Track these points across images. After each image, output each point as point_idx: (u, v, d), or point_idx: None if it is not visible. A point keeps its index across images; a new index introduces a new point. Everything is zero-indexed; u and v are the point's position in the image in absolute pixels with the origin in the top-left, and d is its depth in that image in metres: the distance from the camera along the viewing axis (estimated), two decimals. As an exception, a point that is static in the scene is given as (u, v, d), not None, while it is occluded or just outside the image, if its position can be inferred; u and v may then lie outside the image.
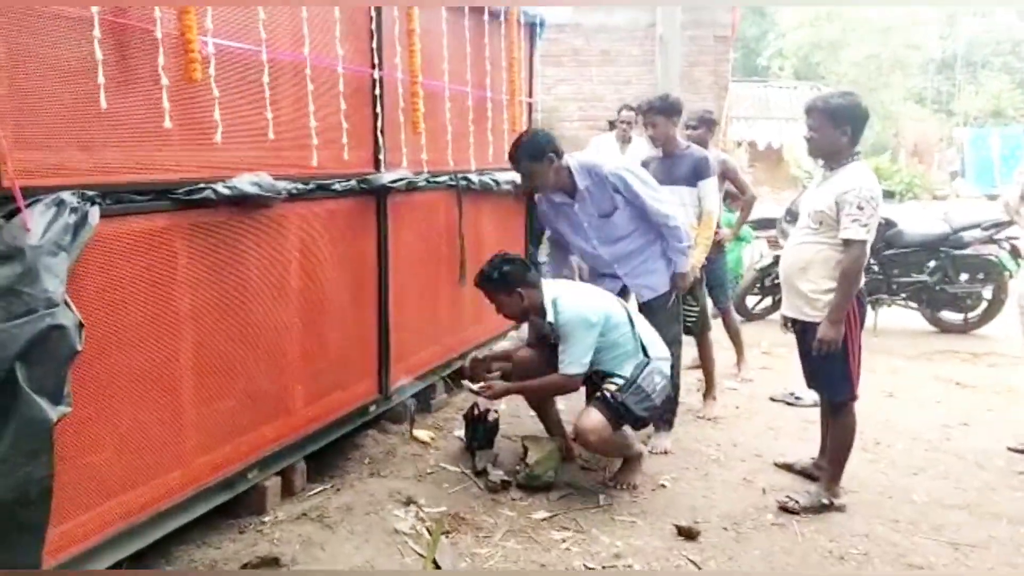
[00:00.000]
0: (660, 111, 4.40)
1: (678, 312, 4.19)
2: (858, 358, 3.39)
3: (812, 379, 3.59)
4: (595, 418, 3.41)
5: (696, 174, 4.41)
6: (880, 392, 5.18)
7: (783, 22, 29.41)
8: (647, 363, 3.52)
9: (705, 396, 4.79)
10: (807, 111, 3.37)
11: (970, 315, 6.98)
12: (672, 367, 4.08)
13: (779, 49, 29.38)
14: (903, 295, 6.99)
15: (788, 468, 3.87)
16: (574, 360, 3.41)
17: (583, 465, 3.84)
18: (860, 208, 3.19)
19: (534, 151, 3.71)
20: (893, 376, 5.59)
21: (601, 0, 10.19)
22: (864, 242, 3.22)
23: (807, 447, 4.05)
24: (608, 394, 3.43)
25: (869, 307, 6.74)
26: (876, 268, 6.90)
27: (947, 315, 7.05)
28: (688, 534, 3.18)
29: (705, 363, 4.87)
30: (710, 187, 4.45)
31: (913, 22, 26.83)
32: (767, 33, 30.82)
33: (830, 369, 3.39)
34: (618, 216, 3.84)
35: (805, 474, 3.78)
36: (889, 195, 17.34)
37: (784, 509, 3.41)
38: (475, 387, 3.58)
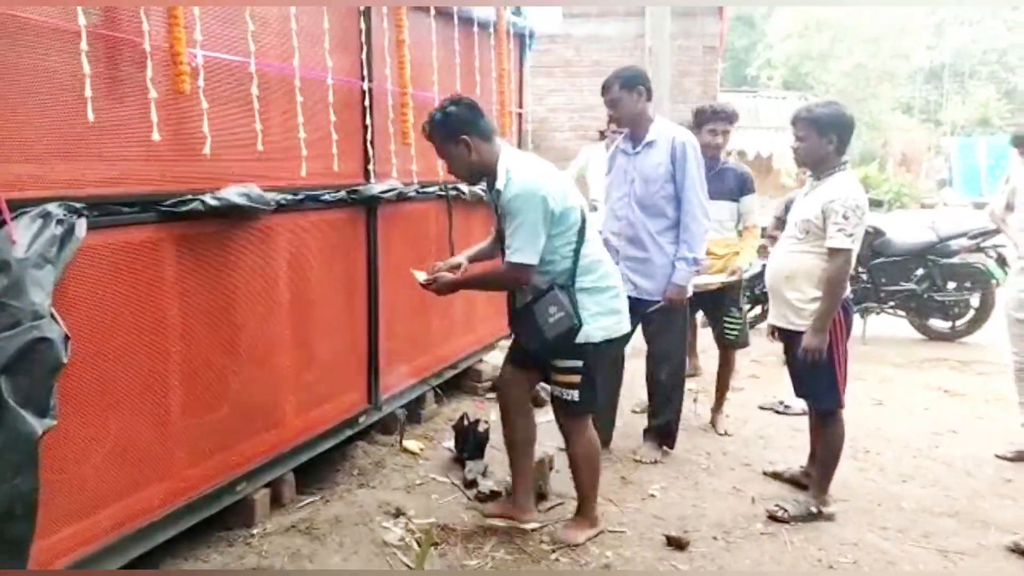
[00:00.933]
0: (726, 119, 4.48)
1: (682, 326, 4.07)
2: (844, 366, 3.39)
3: (799, 388, 3.60)
4: (569, 434, 3.17)
5: (741, 189, 4.49)
6: (869, 400, 5.19)
7: (772, 33, 29.62)
8: (548, 292, 2.95)
9: (715, 411, 4.69)
10: (793, 121, 3.40)
11: (958, 323, 7.02)
12: (673, 385, 4.08)
13: (768, 59, 29.57)
14: (891, 303, 7.03)
15: (777, 476, 3.88)
16: (522, 246, 2.84)
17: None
18: (845, 217, 3.21)
19: (628, 80, 3.80)
20: (882, 384, 5.61)
21: (598, 1, 10.23)
22: (849, 251, 3.22)
23: (796, 455, 4.06)
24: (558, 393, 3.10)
25: (858, 316, 6.81)
26: (864, 277, 6.93)
27: (935, 323, 7.08)
28: (678, 544, 3.17)
29: (724, 376, 4.72)
30: (753, 201, 4.55)
31: (901, 31, 27.06)
32: (756, 44, 31.02)
33: (816, 378, 3.40)
34: (659, 189, 3.83)
35: (794, 482, 3.79)
36: (877, 204, 17.47)
37: (773, 518, 3.41)
38: (422, 279, 3.13)
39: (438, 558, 3.01)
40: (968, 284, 6.91)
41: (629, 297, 3.81)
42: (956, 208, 19.28)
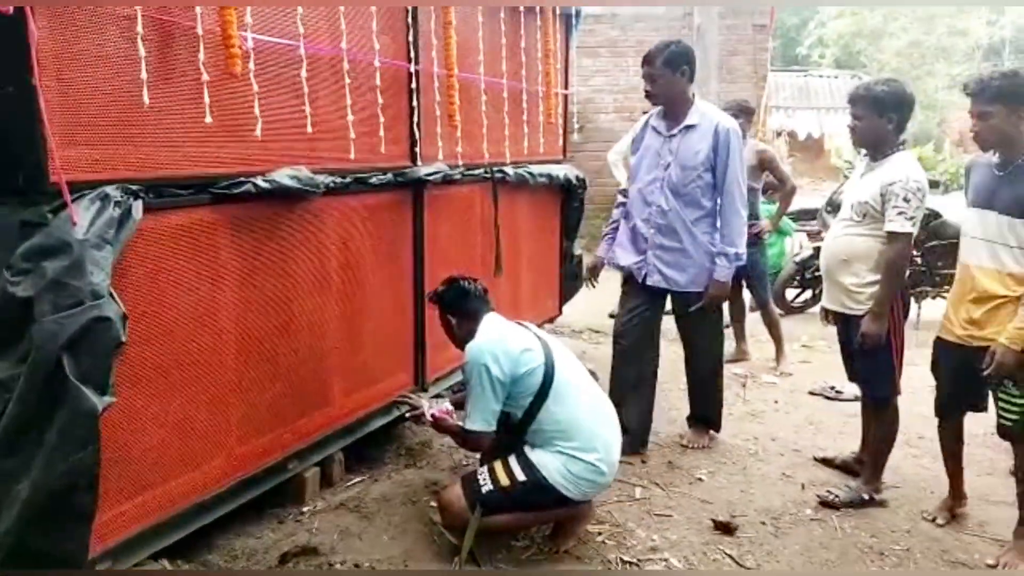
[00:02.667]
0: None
1: (717, 319, 3.95)
2: (901, 353, 3.33)
3: (854, 374, 3.53)
4: (451, 493, 2.91)
5: None
6: (924, 386, 5.05)
7: (824, 11, 28.90)
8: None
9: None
10: (851, 100, 3.30)
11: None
12: (713, 379, 4.02)
13: (819, 37, 28.84)
14: (947, 287, 6.83)
15: (828, 463, 3.82)
16: (472, 413, 2.87)
17: (621, 459, 3.82)
18: (906, 200, 3.11)
19: (672, 58, 3.62)
20: (937, 370, 5.47)
21: (637, 1, 10.10)
22: (909, 235, 3.15)
23: (847, 441, 4.00)
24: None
25: (912, 300, 6.65)
26: (919, 260, 6.77)
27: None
28: (725, 528, 3.15)
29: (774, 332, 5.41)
30: None
31: (959, 9, 26.19)
32: (807, 22, 30.30)
33: (872, 364, 3.33)
34: (696, 177, 3.65)
35: (846, 468, 3.73)
36: (934, 185, 16.95)
37: (824, 504, 3.37)
38: (428, 413, 3.08)
39: (485, 538, 3.02)
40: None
41: (658, 287, 3.78)
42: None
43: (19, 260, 2.07)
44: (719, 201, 3.70)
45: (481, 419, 2.85)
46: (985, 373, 2.87)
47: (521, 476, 2.84)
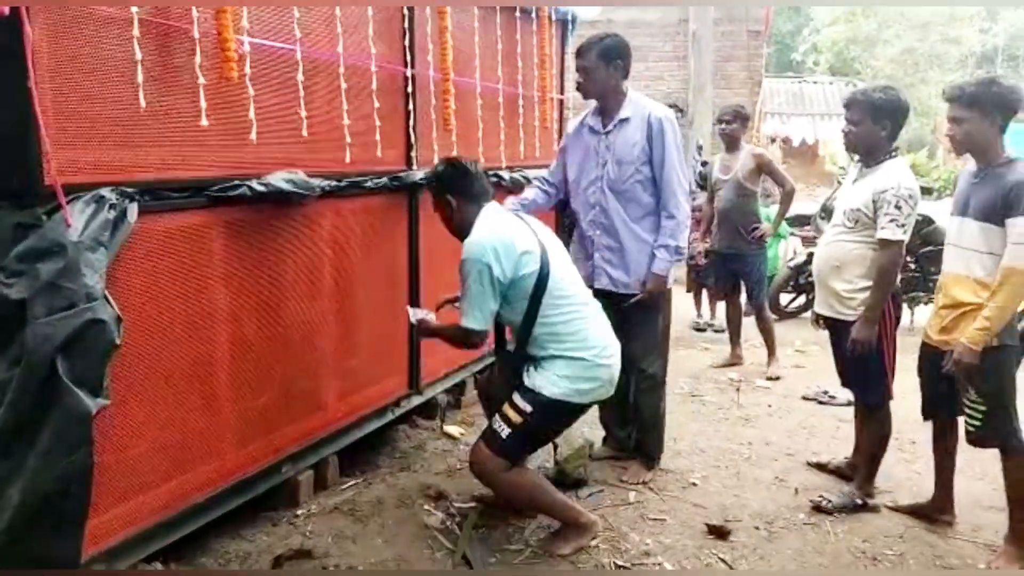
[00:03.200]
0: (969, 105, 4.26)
1: (661, 327, 3.71)
2: (893, 358, 3.33)
3: (846, 378, 3.54)
4: (480, 454, 2.92)
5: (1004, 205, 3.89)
6: (916, 391, 5.08)
7: (818, 17, 29.02)
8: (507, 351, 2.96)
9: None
10: (847, 105, 3.31)
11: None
12: (652, 399, 3.68)
13: (814, 44, 28.98)
14: (940, 293, 6.87)
15: (821, 467, 3.83)
16: (469, 310, 2.81)
17: (613, 464, 3.83)
18: (898, 208, 3.12)
19: (606, 51, 3.45)
20: (929, 375, 5.49)
21: (631, 1, 10.13)
22: (901, 242, 3.15)
23: (841, 446, 4.01)
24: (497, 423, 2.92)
25: (905, 305, 6.68)
26: (913, 265, 6.80)
27: (986, 313, 6.91)
28: (719, 533, 3.16)
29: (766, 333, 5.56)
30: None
31: (951, 17, 26.33)
32: (802, 28, 30.42)
33: (864, 369, 3.35)
34: (633, 172, 3.47)
35: (839, 473, 3.74)
36: (927, 192, 17.01)
37: (817, 508, 3.37)
38: (412, 319, 3.12)
39: (478, 541, 3.03)
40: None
41: (605, 290, 3.54)
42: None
43: (13, 262, 2.06)
44: (660, 195, 3.50)
45: (480, 317, 2.80)
46: (944, 371, 2.96)
47: (528, 407, 2.83)
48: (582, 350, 2.85)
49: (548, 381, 2.83)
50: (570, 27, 5.36)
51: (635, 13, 10.38)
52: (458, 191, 2.93)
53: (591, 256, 3.62)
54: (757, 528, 3.24)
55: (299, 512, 3.14)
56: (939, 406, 3.23)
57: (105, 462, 2.28)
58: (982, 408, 2.97)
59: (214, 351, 2.73)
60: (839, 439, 4.19)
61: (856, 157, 3.42)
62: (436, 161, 3.25)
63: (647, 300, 3.53)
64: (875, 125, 3.21)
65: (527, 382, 2.87)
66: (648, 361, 3.64)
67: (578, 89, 3.60)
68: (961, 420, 3.14)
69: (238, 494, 2.89)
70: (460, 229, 2.94)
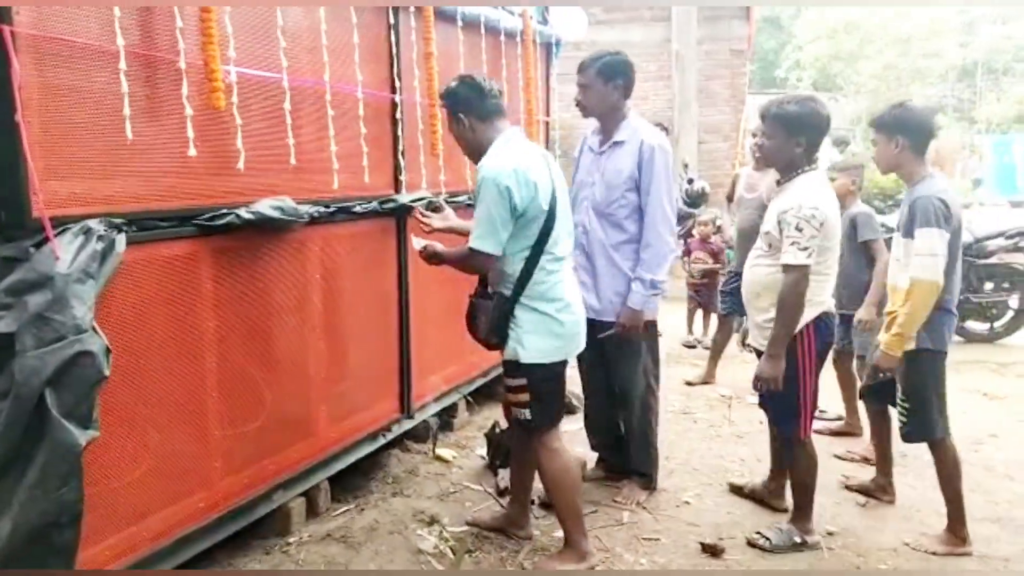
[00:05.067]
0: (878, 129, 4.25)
1: (642, 358, 3.58)
2: (811, 394, 3.08)
3: (764, 405, 3.31)
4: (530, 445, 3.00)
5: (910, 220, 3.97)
6: (906, 405, 5.11)
7: (800, 34, 29.35)
8: (486, 298, 2.92)
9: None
10: (761, 116, 3.12)
11: (996, 324, 6.91)
12: (643, 427, 3.64)
13: (797, 61, 29.27)
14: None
15: (738, 490, 3.69)
16: (483, 233, 2.72)
17: (607, 483, 3.82)
18: (799, 229, 2.89)
19: (605, 69, 3.40)
20: (919, 388, 5.51)
21: (625, 2, 10.20)
22: (803, 267, 2.90)
23: (834, 463, 4.02)
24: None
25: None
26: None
27: (973, 325, 6.97)
28: (713, 551, 3.15)
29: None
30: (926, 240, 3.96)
31: (932, 32, 26.68)
32: (784, 45, 30.75)
33: (780, 405, 3.14)
34: (619, 197, 3.42)
35: (754, 497, 3.61)
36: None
37: (753, 546, 3.20)
38: (418, 247, 3.01)
39: (472, 566, 3.02)
40: (1006, 284, 6.80)
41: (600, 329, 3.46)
42: (992, 207, 18.94)
43: (1, 295, 2.06)
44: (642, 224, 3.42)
45: (493, 239, 2.72)
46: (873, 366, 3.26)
47: (521, 380, 2.90)
48: (551, 303, 2.86)
49: (518, 344, 2.87)
50: (555, 49, 5.41)
51: (620, 34, 10.48)
52: (471, 109, 2.84)
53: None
54: (751, 546, 3.23)
55: (291, 540, 3.12)
56: (875, 393, 3.47)
57: (96, 493, 2.27)
58: (906, 406, 3.22)
59: (204, 379, 2.72)
60: (829, 456, 4.19)
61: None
62: (423, 187, 3.27)
63: (623, 334, 3.44)
64: (790, 139, 3.00)
65: (515, 355, 2.88)
66: (634, 392, 3.59)
67: (577, 106, 3.57)
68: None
69: (230, 522, 2.88)
70: (475, 150, 2.88)
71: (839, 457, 4.12)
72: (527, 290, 2.84)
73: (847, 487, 3.76)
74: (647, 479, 3.70)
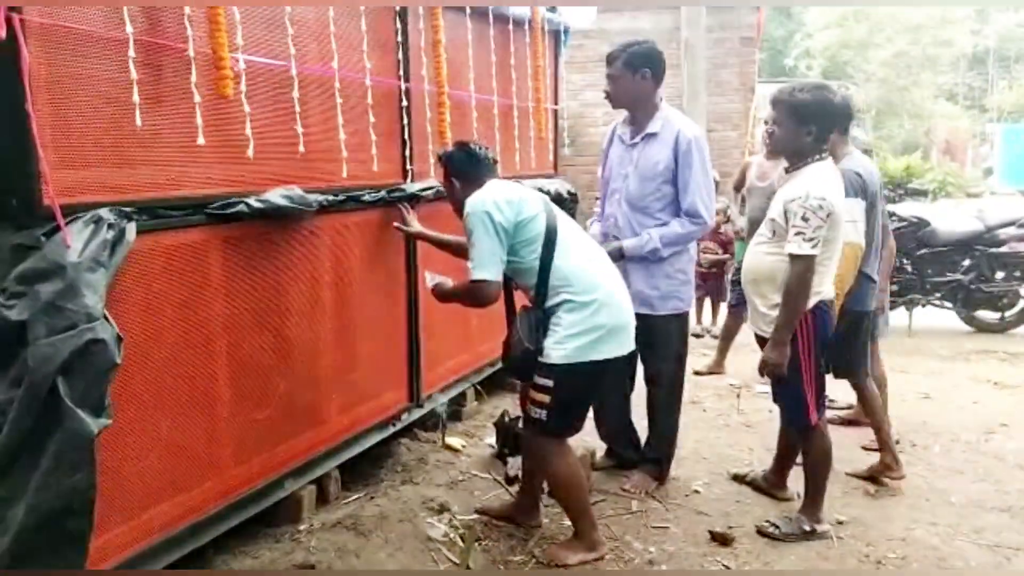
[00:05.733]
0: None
1: (675, 347, 3.62)
2: (814, 381, 3.12)
3: (774, 397, 3.34)
4: (536, 446, 3.04)
5: None
6: (916, 394, 5.10)
7: (810, 22, 29.16)
8: (521, 312, 2.98)
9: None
10: (772, 103, 3.13)
11: (1007, 314, 6.88)
12: (666, 411, 3.66)
13: (806, 49, 29.11)
14: (937, 295, 6.89)
15: (740, 479, 3.72)
16: (478, 262, 2.83)
17: (614, 471, 3.83)
18: (805, 220, 2.89)
19: (632, 59, 3.39)
20: (929, 377, 5.50)
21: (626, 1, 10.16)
22: (809, 257, 2.91)
23: (842, 451, 4.00)
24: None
25: (903, 308, 6.69)
26: (909, 268, 6.82)
27: (983, 314, 6.94)
28: (722, 540, 3.16)
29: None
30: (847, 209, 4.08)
31: (943, 20, 26.46)
32: (794, 34, 30.57)
33: (784, 393, 3.19)
34: (655, 190, 3.43)
35: (755, 487, 3.63)
36: (921, 194, 17.05)
37: (762, 534, 3.22)
38: (430, 283, 3.20)
39: (481, 553, 3.03)
40: (1017, 274, 6.77)
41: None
42: (1004, 196, 18.82)
43: (13, 283, 2.07)
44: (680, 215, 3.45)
45: (489, 267, 2.82)
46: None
47: (548, 382, 2.86)
48: (585, 294, 2.84)
49: (555, 343, 2.84)
50: (563, 37, 5.39)
51: (627, 22, 10.43)
52: (464, 174, 3.03)
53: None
54: (760, 534, 3.23)
55: (302, 527, 3.14)
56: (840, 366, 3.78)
57: (108, 481, 2.28)
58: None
59: (214, 367, 2.73)
60: (838, 444, 4.18)
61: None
62: (432, 176, 3.40)
63: (659, 326, 3.48)
64: (800, 128, 3.00)
65: (544, 358, 2.86)
66: (664, 377, 3.62)
67: (606, 98, 3.56)
68: None
69: (241, 510, 2.89)
70: (463, 205, 2.97)
71: (866, 448, 4.07)
72: (552, 283, 2.85)
73: (847, 473, 3.78)
74: (658, 468, 3.69)
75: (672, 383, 3.66)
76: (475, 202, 2.86)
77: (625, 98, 3.48)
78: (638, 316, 3.34)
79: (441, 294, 3.16)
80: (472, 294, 2.92)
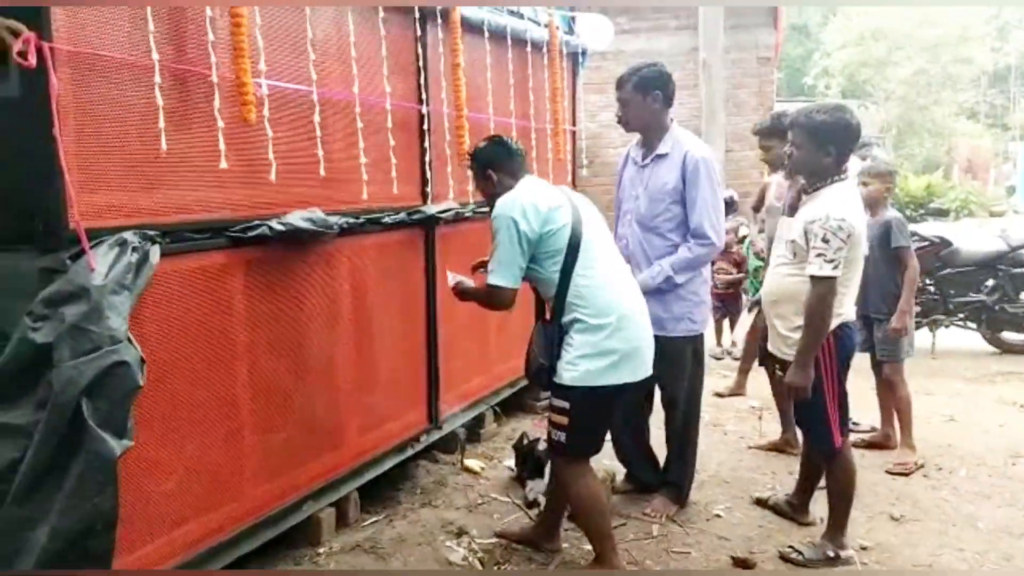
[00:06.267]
0: (773, 133, 4.27)
1: (690, 368, 3.58)
2: (837, 403, 3.08)
3: (798, 418, 3.32)
4: (561, 471, 3.00)
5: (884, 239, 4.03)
6: (940, 416, 5.03)
7: (828, 42, 29.15)
8: (538, 323, 2.98)
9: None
10: (790, 125, 3.14)
11: (1033, 335, 6.77)
12: (683, 436, 3.63)
13: (825, 68, 29.06)
14: (961, 315, 6.80)
15: (763, 504, 3.66)
16: (497, 268, 2.81)
17: (634, 495, 3.79)
18: (825, 241, 2.87)
19: (642, 82, 3.43)
20: (953, 399, 5.42)
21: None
22: (830, 279, 2.89)
23: (864, 475, 3.95)
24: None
25: (926, 328, 6.61)
26: (932, 288, 6.74)
27: (1008, 335, 6.84)
28: (744, 565, 3.12)
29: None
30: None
31: (962, 38, 26.35)
32: (812, 53, 30.56)
33: (809, 416, 3.16)
34: (664, 210, 3.43)
35: (777, 511, 3.58)
36: (943, 213, 16.90)
37: (785, 560, 3.15)
38: (452, 282, 3.13)
39: (501, 578, 3.01)
40: (1042, 295, 6.68)
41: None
42: (1026, 215, 18.64)
43: (39, 306, 2.09)
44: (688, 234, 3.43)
45: (507, 274, 2.80)
46: None
47: (565, 403, 2.84)
48: (599, 316, 2.80)
49: (567, 363, 2.81)
50: (581, 59, 5.42)
51: (645, 43, 10.48)
52: (498, 166, 2.98)
53: None
54: (784, 560, 3.19)
55: (321, 550, 3.13)
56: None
57: (128, 503, 2.29)
58: None
59: (236, 389, 2.74)
60: (863, 466, 4.13)
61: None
62: (451, 198, 3.28)
63: (673, 349, 3.40)
64: (818, 150, 2.99)
65: (559, 378, 2.84)
66: (679, 400, 3.58)
67: (618, 121, 3.59)
68: None
69: (261, 532, 2.89)
70: (496, 200, 2.94)
71: (891, 473, 4.01)
72: (568, 300, 2.83)
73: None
74: (678, 491, 3.65)
75: (688, 406, 3.62)
76: (505, 204, 2.81)
77: (636, 121, 3.51)
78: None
79: (462, 292, 3.10)
80: (491, 298, 2.92)
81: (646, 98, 3.44)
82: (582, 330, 2.81)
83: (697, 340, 3.61)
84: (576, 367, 2.80)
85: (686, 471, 3.68)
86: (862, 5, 25.89)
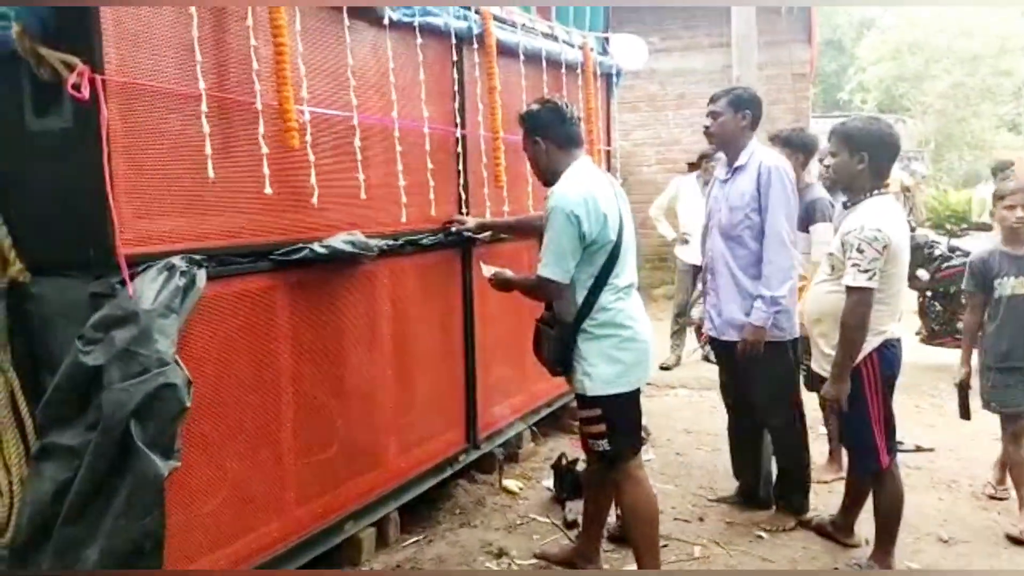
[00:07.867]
0: (783, 145, 4.29)
1: (780, 373, 3.58)
2: (882, 421, 3.03)
3: (843, 442, 3.31)
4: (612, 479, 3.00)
5: (806, 218, 4.03)
6: (989, 435, 4.90)
7: (863, 56, 28.87)
8: (553, 327, 2.93)
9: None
10: (828, 136, 3.18)
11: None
12: (787, 444, 3.66)
13: (860, 83, 28.74)
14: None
15: (807, 525, 3.61)
16: (549, 261, 2.73)
17: (677, 516, 3.76)
18: (860, 251, 2.87)
19: (736, 100, 3.56)
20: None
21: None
22: (865, 290, 2.87)
23: (911, 496, 3.87)
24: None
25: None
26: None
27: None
28: (790, 588, 3.06)
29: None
30: (821, 233, 3.99)
31: (1002, 49, 25.93)
32: (847, 68, 30.27)
33: (854, 436, 3.13)
34: (743, 219, 3.50)
35: (821, 532, 3.52)
36: (985, 228, 16.56)
37: None
38: (488, 273, 3.10)
39: (542, 599, 2.99)
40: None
41: (710, 335, 3.69)
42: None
43: (90, 330, 2.15)
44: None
45: (560, 269, 2.73)
46: None
47: (595, 411, 2.86)
48: (622, 325, 2.84)
49: (585, 378, 2.84)
50: (615, 79, 5.44)
51: (679, 62, 10.50)
52: (550, 134, 2.88)
53: (706, 301, 3.78)
54: (828, 582, 3.14)
55: (362, 570, 3.15)
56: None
57: (176, 522, 2.33)
58: None
59: (279, 409, 2.78)
60: (910, 487, 4.04)
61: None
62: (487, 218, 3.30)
63: (748, 350, 3.46)
64: (851, 158, 3.01)
65: (583, 390, 2.87)
66: (770, 413, 3.64)
67: (704, 133, 3.73)
68: None
69: (303, 552, 2.91)
70: (546, 173, 2.91)
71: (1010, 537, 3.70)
72: (589, 318, 2.83)
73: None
74: (795, 504, 3.69)
75: (782, 417, 3.64)
76: (568, 197, 2.70)
77: (722, 134, 3.62)
78: (731, 344, 3.50)
79: (502, 282, 3.05)
80: (538, 290, 2.88)
81: (737, 114, 3.57)
82: (594, 340, 2.84)
83: (782, 347, 3.57)
84: (594, 380, 2.84)
85: (803, 473, 3.74)
86: (896, 5, 25.57)
